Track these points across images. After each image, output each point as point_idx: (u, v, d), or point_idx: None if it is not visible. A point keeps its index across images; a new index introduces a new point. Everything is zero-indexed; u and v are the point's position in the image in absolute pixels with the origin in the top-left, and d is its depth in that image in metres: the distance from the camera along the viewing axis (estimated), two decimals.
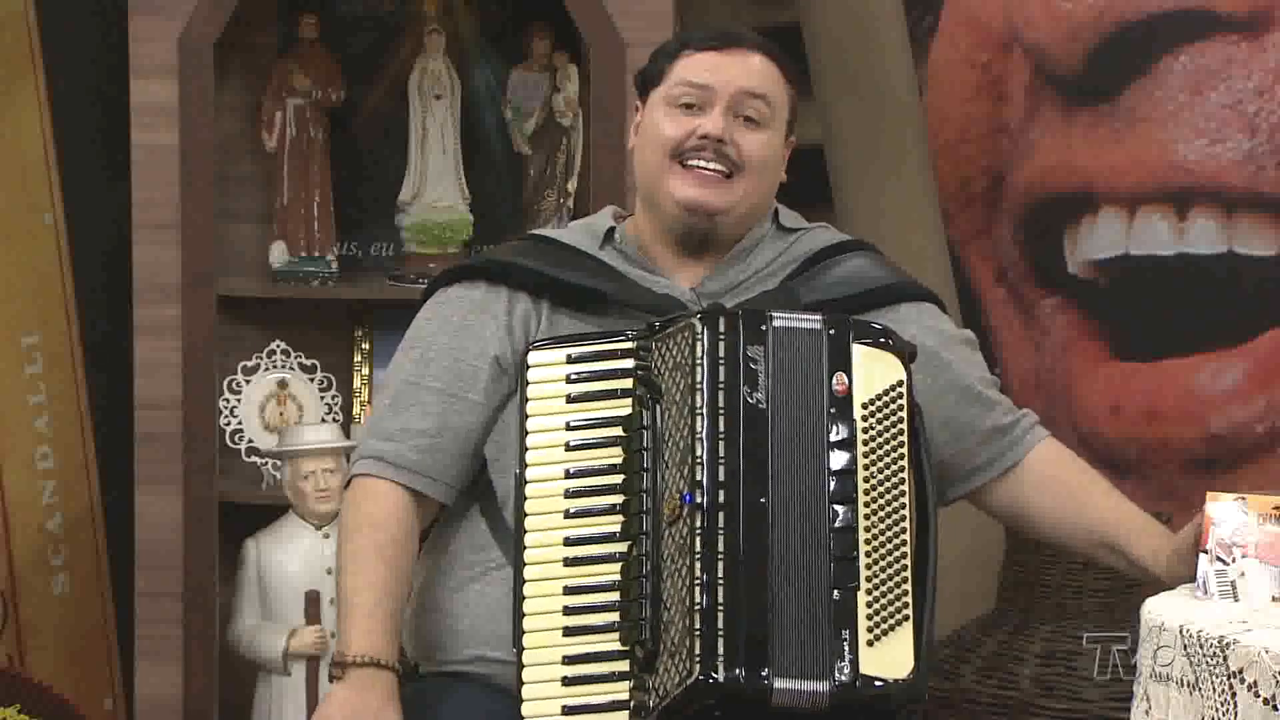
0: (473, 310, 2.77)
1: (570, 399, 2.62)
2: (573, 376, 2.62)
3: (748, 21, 4.15)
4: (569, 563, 2.56)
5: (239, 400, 3.99)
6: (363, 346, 4.08)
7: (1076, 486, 2.81)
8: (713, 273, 2.78)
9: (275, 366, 4.03)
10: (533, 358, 2.64)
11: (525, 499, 2.58)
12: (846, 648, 2.44)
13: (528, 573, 2.56)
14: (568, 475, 2.59)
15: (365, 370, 4.08)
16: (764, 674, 2.41)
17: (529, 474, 2.59)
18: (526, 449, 2.60)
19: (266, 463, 3.97)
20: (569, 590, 2.54)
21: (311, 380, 4.04)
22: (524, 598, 2.55)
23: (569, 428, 2.60)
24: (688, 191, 2.73)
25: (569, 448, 2.60)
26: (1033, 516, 2.82)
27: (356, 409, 4.03)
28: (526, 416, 2.61)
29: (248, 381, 4.01)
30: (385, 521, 2.69)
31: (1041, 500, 2.81)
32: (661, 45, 2.85)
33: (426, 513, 2.75)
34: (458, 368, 2.74)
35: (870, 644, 2.45)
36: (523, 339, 2.72)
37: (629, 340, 2.63)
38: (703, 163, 2.73)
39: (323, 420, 3.97)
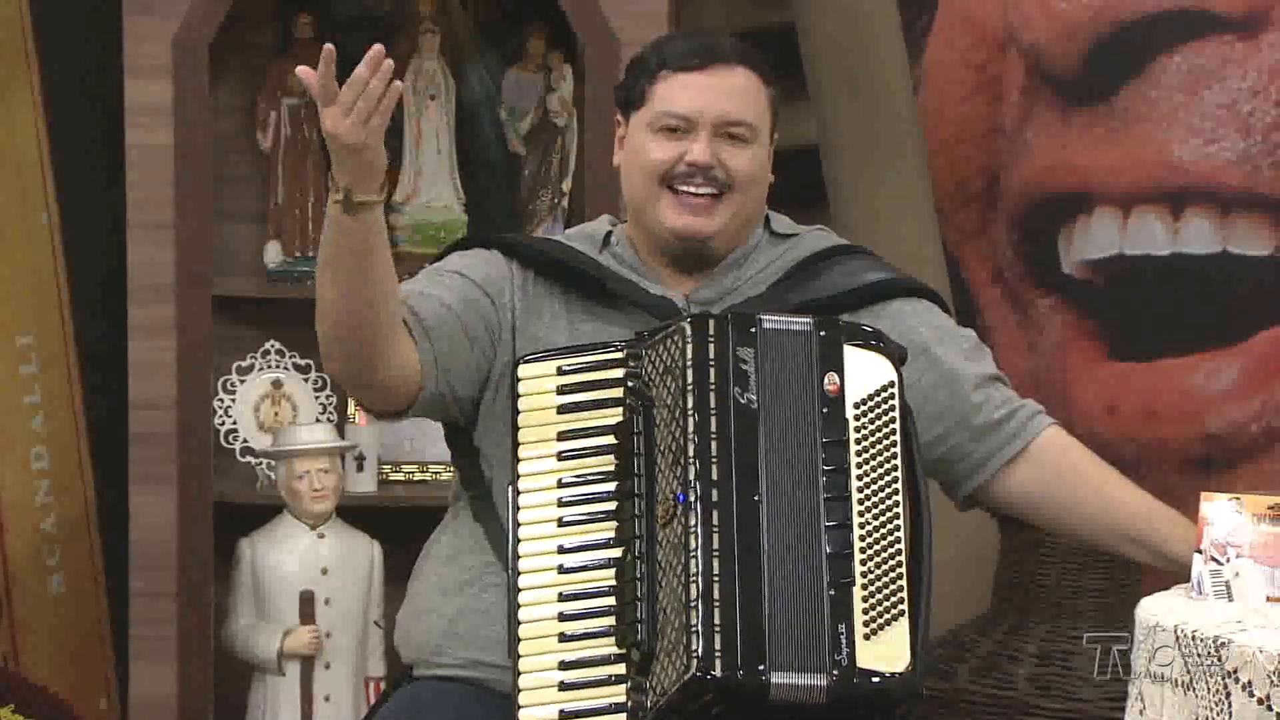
0: (467, 257, 2.77)
1: (561, 409, 2.61)
2: (563, 387, 2.62)
3: (744, 22, 4.15)
4: (563, 571, 2.55)
5: (234, 400, 3.99)
6: None
7: (1093, 477, 2.79)
8: (705, 283, 2.78)
9: (270, 366, 4.02)
10: (523, 370, 2.63)
11: (519, 509, 2.58)
12: (843, 641, 2.44)
13: (523, 582, 2.56)
14: (560, 485, 2.59)
15: None
16: (761, 669, 2.41)
17: (522, 484, 2.59)
18: (519, 460, 2.60)
19: (261, 463, 3.97)
20: (564, 598, 2.54)
21: (306, 380, 4.04)
22: (519, 606, 2.55)
23: (560, 438, 2.61)
24: (679, 220, 2.73)
25: (561, 457, 2.60)
26: (1050, 508, 2.80)
27: (351, 409, 4.03)
28: (518, 428, 2.61)
29: (242, 381, 4.01)
30: None
31: (1058, 491, 2.79)
32: (639, 57, 2.79)
33: (410, 379, 2.66)
34: (464, 281, 2.72)
35: (867, 638, 2.45)
36: (510, 302, 2.71)
37: (619, 350, 2.63)
38: (692, 189, 2.72)
39: (317, 420, 3.97)
